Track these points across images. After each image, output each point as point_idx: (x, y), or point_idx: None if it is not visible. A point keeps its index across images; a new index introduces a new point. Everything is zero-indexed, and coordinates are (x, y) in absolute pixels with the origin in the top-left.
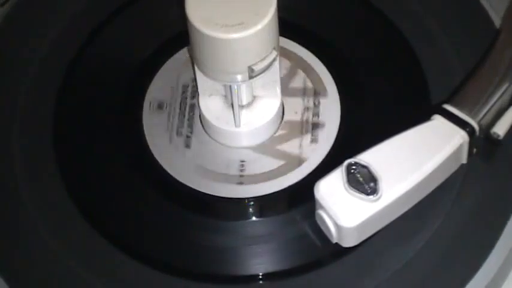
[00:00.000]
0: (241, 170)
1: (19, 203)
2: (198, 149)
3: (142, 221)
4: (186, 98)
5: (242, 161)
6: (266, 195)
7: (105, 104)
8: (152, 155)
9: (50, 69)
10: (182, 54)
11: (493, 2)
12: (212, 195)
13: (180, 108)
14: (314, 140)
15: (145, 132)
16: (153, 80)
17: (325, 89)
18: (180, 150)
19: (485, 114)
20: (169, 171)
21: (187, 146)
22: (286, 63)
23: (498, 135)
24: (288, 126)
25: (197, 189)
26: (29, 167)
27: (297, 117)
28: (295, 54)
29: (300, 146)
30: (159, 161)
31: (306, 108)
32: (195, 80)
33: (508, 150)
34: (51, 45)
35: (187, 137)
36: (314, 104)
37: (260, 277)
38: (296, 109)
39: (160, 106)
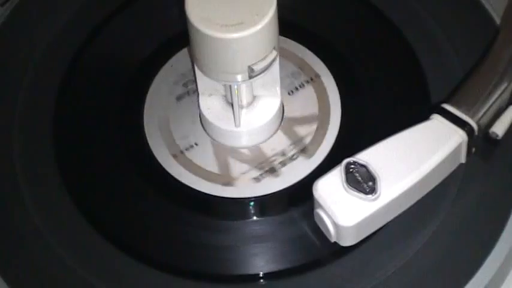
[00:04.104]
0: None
1: (19, 203)
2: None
3: (142, 221)
4: None
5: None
6: None
7: (105, 104)
8: (154, 157)
9: (50, 69)
10: (182, 54)
11: (493, 2)
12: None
13: None
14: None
15: (168, 170)
16: (153, 80)
17: (312, 154)
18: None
19: (484, 114)
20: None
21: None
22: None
23: (497, 135)
24: (254, 152)
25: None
26: (29, 167)
27: (268, 153)
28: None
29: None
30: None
31: (282, 153)
32: (195, 79)
33: (506, 149)
34: (51, 45)
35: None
36: (291, 157)
37: (260, 277)
38: (275, 147)
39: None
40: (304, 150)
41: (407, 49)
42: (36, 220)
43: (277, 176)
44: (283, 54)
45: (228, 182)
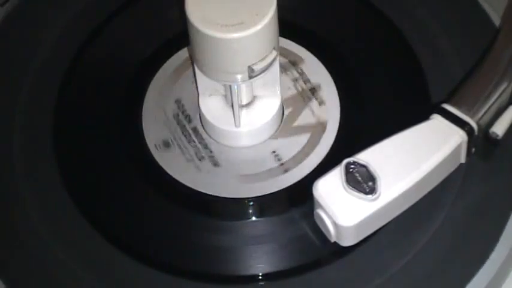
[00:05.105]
0: (279, 159)
1: (19, 203)
2: (228, 163)
3: (142, 221)
4: (184, 125)
5: (274, 152)
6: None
7: (105, 104)
8: (153, 157)
9: (50, 70)
10: (182, 54)
11: (492, 2)
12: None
13: (186, 138)
14: (321, 102)
15: (167, 170)
16: (152, 80)
17: (300, 57)
18: (211, 170)
19: (484, 114)
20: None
21: (216, 164)
22: None
23: (497, 135)
24: (289, 103)
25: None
26: (29, 167)
27: (293, 91)
28: None
29: (313, 113)
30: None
31: (295, 79)
32: (195, 80)
33: (506, 149)
34: (51, 45)
35: (210, 157)
36: (298, 72)
37: (260, 277)
38: (287, 85)
39: (166, 145)
40: (297, 61)
41: (407, 49)
42: (36, 220)
43: (319, 87)
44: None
45: (323, 124)
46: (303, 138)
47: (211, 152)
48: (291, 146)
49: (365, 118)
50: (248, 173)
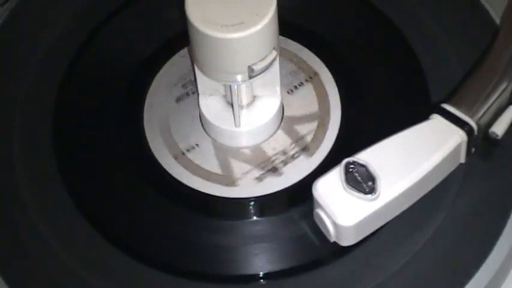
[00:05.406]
0: (190, 161)
1: (19, 203)
2: (177, 122)
3: (142, 221)
4: None
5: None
6: None
7: (105, 104)
8: (154, 157)
9: (49, 70)
10: (182, 54)
11: (492, 2)
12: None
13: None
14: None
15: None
16: (153, 79)
17: (313, 152)
18: (169, 109)
19: (483, 114)
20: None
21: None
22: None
23: (496, 135)
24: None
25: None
26: (29, 167)
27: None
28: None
29: (257, 176)
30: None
31: (296, 141)
32: (195, 80)
33: (506, 149)
34: (51, 45)
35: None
36: (292, 156)
37: (260, 277)
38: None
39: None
40: (306, 149)
41: (407, 49)
42: (36, 220)
43: (279, 175)
44: (282, 54)
45: (230, 182)
46: (217, 170)
47: (188, 94)
48: (207, 161)
49: (365, 118)
50: (170, 137)
